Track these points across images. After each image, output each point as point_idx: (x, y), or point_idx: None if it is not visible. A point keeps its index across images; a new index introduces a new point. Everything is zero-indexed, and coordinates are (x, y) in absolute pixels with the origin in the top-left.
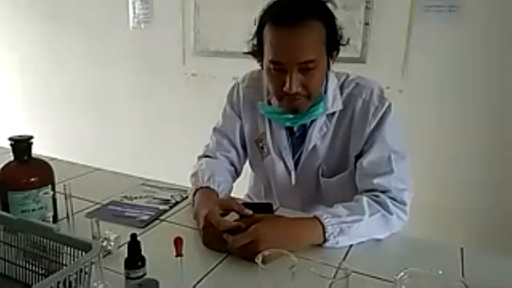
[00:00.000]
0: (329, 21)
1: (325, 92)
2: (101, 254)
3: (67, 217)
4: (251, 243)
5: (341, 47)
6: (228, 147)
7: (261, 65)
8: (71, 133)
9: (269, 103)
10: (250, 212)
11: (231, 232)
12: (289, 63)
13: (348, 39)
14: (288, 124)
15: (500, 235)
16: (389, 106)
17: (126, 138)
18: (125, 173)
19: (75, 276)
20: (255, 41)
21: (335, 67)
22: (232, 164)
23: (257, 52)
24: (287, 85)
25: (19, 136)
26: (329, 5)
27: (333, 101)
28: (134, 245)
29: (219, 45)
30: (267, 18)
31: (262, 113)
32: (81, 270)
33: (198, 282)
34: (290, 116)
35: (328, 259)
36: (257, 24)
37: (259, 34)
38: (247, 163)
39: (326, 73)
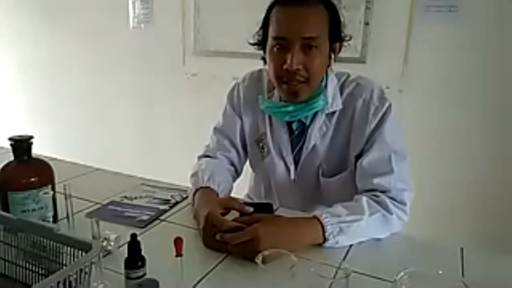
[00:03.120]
0: (333, 11)
1: (325, 90)
2: (101, 254)
3: (67, 217)
4: (250, 241)
5: (342, 47)
6: (228, 147)
7: (264, 59)
8: (71, 133)
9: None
10: (251, 209)
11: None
12: (292, 38)
13: (350, 37)
14: (287, 118)
15: (500, 235)
16: (389, 106)
17: (126, 138)
18: (125, 173)
19: (75, 276)
20: (260, 32)
21: (335, 67)
22: (232, 164)
23: (262, 41)
24: (288, 61)
25: (19, 136)
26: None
27: (333, 101)
28: (134, 245)
29: (219, 45)
30: (275, 2)
31: (262, 108)
32: (81, 270)
33: (198, 282)
34: (290, 109)
35: (328, 259)
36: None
37: (265, 20)
38: (247, 163)
39: (326, 68)
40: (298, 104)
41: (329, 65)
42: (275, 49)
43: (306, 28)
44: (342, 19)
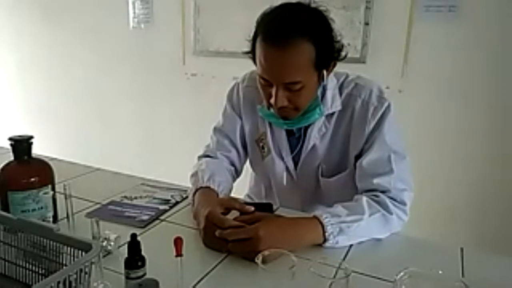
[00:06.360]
0: (320, 39)
1: (324, 93)
2: (101, 254)
3: (67, 217)
4: (250, 241)
5: (339, 58)
6: (228, 147)
7: None
8: (71, 133)
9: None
10: (252, 208)
11: None
12: (274, 82)
13: (346, 55)
14: (285, 127)
15: (500, 235)
16: (389, 106)
17: (126, 138)
18: (125, 173)
19: (75, 276)
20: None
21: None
22: (233, 164)
23: (253, 57)
24: (272, 100)
25: (19, 136)
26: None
27: (332, 102)
28: (134, 245)
29: (219, 45)
30: (259, 30)
31: (261, 115)
32: (81, 270)
33: (198, 282)
34: (286, 121)
35: (328, 259)
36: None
37: (253, 42)
38: (247, 163)
39: (320, 83)
40: (295, 117)
41: (323, 80)
42: (262, 81)
43: (286, 76)
44: (337, 37)
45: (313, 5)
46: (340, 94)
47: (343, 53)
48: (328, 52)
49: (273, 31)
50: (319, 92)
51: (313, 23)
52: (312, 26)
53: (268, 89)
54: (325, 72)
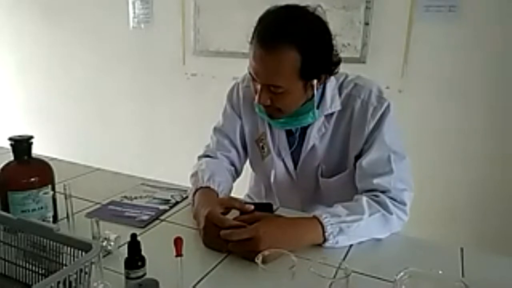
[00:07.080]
0: (310, 49)
1: (323, 94)
2: (101, 254)
3: (67, 217)
4: (250, 241)
5: (341, 47)
6: (228, 147)
7: None
8: (72, 133)
9: None
10: (252, 207)
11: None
12: (258, 81)
13: (340, 60)
14: (279, 126)
15: (500, 235)
16: (388, 106)
17: (126, 138)
18: (125, 173)
19: (75, 276)
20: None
21: None
22: (233, 164)
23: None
24: (256, 96)
25: (19, 136)
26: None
27: (332, 102)
28: (134, 245)
29: (219, 45)
30: (258, 27)
31: (257, 111)
32: (81, 270)
33: (198, 282)
34: (281, 120)
35: (328, 259)
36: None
37: (252, 37)
38: (247, 163)
39: (307, 92)
40: (288, 118)
41: (314, 89)
42: (250, 76)
43: (268, 78)
44: (335, 48)
45: (319, 13)
46: (340, 94)
47: (337, 68)
48: (318, 63)
49: (265, 33)
50: (316, 97)
51: (306, 32)
52: (303, 35)
53: (256, 85)
54: (315, 81)
